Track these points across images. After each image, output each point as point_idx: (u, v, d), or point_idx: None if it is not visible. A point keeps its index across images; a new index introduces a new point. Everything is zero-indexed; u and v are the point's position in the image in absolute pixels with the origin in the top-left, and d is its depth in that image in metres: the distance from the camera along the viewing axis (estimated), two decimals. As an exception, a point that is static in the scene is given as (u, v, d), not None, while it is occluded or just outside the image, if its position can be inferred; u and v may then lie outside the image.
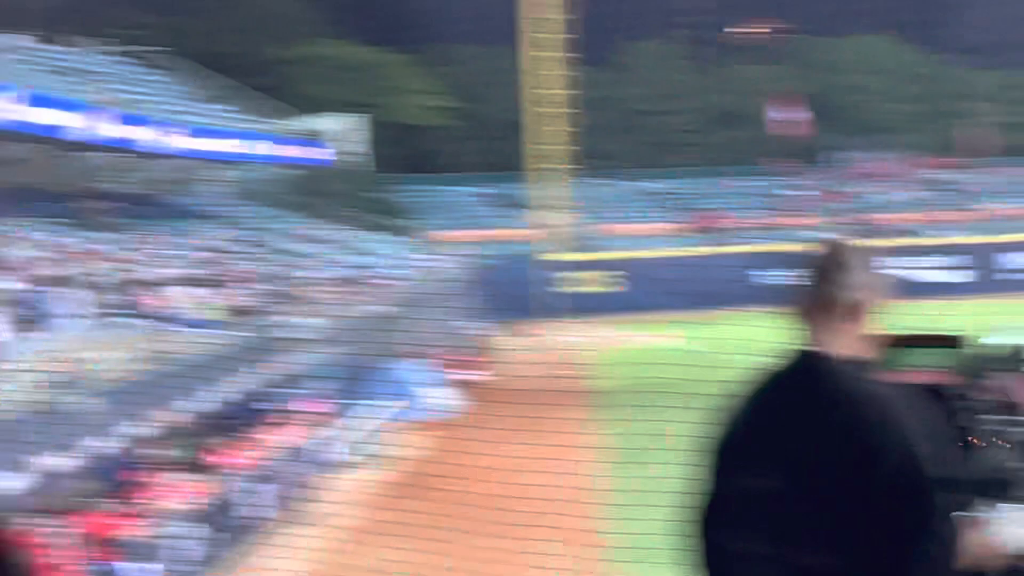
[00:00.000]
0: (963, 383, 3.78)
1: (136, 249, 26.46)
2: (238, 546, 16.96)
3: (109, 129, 29.22)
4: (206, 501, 17.20)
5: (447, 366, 27.70)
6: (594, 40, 42.09)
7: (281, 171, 35.96)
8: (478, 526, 11.68)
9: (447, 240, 40.16)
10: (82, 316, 21.64)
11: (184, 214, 30.46)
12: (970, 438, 3.64)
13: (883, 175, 52.22)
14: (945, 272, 43.15)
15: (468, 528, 11.42)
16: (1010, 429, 3.71)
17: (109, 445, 19.21)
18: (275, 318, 25.52)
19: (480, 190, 46.72)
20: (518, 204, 42.52)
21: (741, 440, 3.00)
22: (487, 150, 49.61)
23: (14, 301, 21.05)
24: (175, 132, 31.55)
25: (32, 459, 16.00)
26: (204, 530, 16.55)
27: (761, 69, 54.62)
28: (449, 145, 50.99)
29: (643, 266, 40.30)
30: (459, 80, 51.72)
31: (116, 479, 17.08)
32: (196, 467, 18.97)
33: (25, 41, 30.79)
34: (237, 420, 21.81)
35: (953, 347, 3.93)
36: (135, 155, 30.70)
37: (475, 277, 36.44)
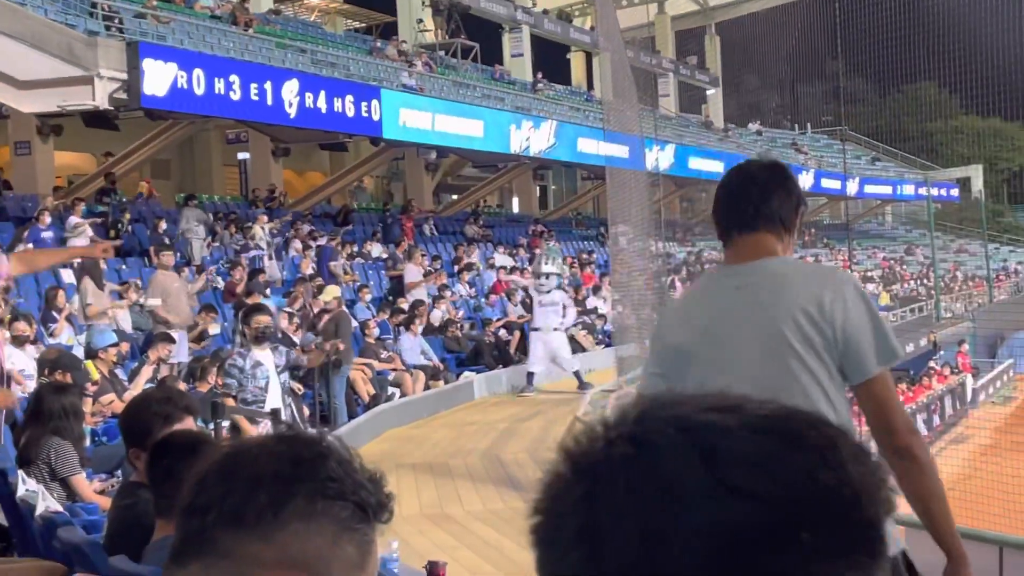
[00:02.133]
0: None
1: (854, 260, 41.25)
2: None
3: (810, 181, 44.26)
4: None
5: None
6: None
7: (933, 206, 50.04)
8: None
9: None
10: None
11: (868, 236, 45.22)
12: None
13: None
14: None
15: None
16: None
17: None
18: (929, 304, 38.53)
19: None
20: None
21: None
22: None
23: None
24: (851, 182, 46.00)
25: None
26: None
27: None
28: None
29: None
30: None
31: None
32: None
33: (758, 127, 47.51)
34: (911, 371, 33.97)
35: None
36: (828, 198, 45.74)
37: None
